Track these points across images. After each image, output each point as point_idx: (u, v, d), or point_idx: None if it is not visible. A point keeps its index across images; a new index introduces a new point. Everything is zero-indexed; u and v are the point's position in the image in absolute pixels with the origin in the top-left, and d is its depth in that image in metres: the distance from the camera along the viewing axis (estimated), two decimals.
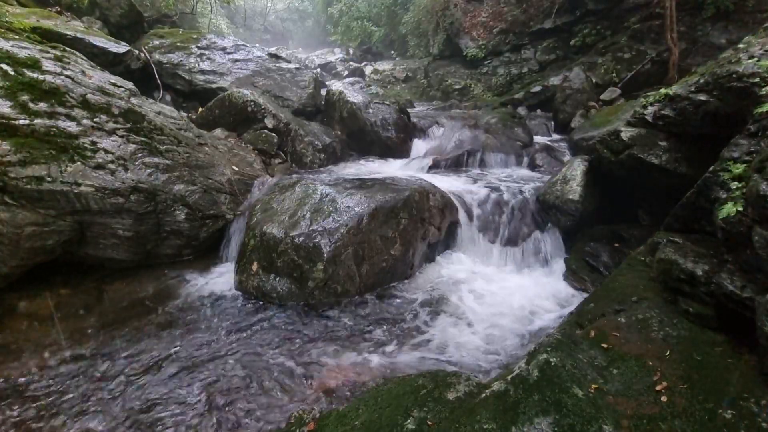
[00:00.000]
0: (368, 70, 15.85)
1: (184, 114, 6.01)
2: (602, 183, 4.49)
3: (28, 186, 3.22)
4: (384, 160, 6.56)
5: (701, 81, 3.29)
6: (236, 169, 4.76)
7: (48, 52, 3.92)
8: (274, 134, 5.76)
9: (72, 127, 3.56)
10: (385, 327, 3.33)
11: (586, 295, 3.46)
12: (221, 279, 3.92)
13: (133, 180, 3.69)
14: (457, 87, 12.07)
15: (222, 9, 18.57)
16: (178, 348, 3.02)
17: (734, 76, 2.97)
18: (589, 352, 2.29)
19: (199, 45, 7.54)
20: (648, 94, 4.18)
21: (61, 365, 2.81)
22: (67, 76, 3.79)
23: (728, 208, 2.28)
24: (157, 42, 7.41)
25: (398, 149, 6.72)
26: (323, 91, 7.71)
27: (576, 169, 4.53)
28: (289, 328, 3.28)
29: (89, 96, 3.81)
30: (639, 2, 9.14)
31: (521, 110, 9.21)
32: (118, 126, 3.86)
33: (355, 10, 19.05)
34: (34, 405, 2.49)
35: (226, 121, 5.87)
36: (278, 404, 2.54)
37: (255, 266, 3.70)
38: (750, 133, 2.68)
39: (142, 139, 3.94)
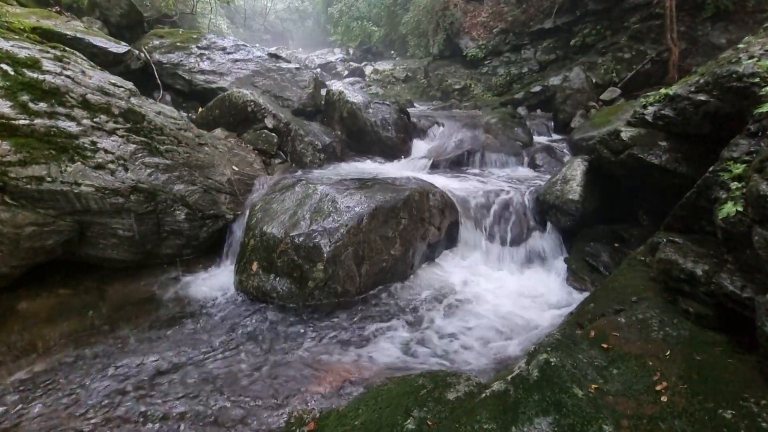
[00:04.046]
0: (368, 70, 15.87)
1: (184, 114, 6.01)
2: (602, 183, 4.48)
3: (28, 186, 3.22)
4: (384, 160, 6.56)
5: (701, 81, 3.29)
6: (236, 169, 4.76)
7: (48, 52, 3.92)
8: (274, 134, 5.75)
9: (72, 127, 3.56)
10: (384, 327, 3.33)
11: (586, 295, 3.46)
12: (221, 279, 3.92)
13: (133, 180, 3.69)
14: (457, 87, 12.08)
15: (222, 9, 18.57)
16: (178, 348, 3.02)
17: (734, 76, 2.97)
18: (589, 352, 2.29)
19: (199, 45, 7.53)
20: (648, 94, 4.18)
21: (61, 365, 2.81)
22: (67, 76, 3.79)
23: (728, 208, 2.28)
24: (157, 42, 7.40)
25: (398, 149, 6.71)
26: (323, 91, 7.70)
27: (576, 169, 4.53)
28: (288, 328, 3.29)
29: (89, 96, 3.80)
30: (639, 2, 9.14)
31: (521, 110, 9.22)
32: (118, 126, 3.86)
33: (355, 10, 19.08)
34: (33, 405, 2.49)
35: (226, 121, 5.87)
36: (278, 404, 2.54)
37: (255, 266, 3.70)
38: (750, 133, 2.69)
39: (142, 139, 3.95)
